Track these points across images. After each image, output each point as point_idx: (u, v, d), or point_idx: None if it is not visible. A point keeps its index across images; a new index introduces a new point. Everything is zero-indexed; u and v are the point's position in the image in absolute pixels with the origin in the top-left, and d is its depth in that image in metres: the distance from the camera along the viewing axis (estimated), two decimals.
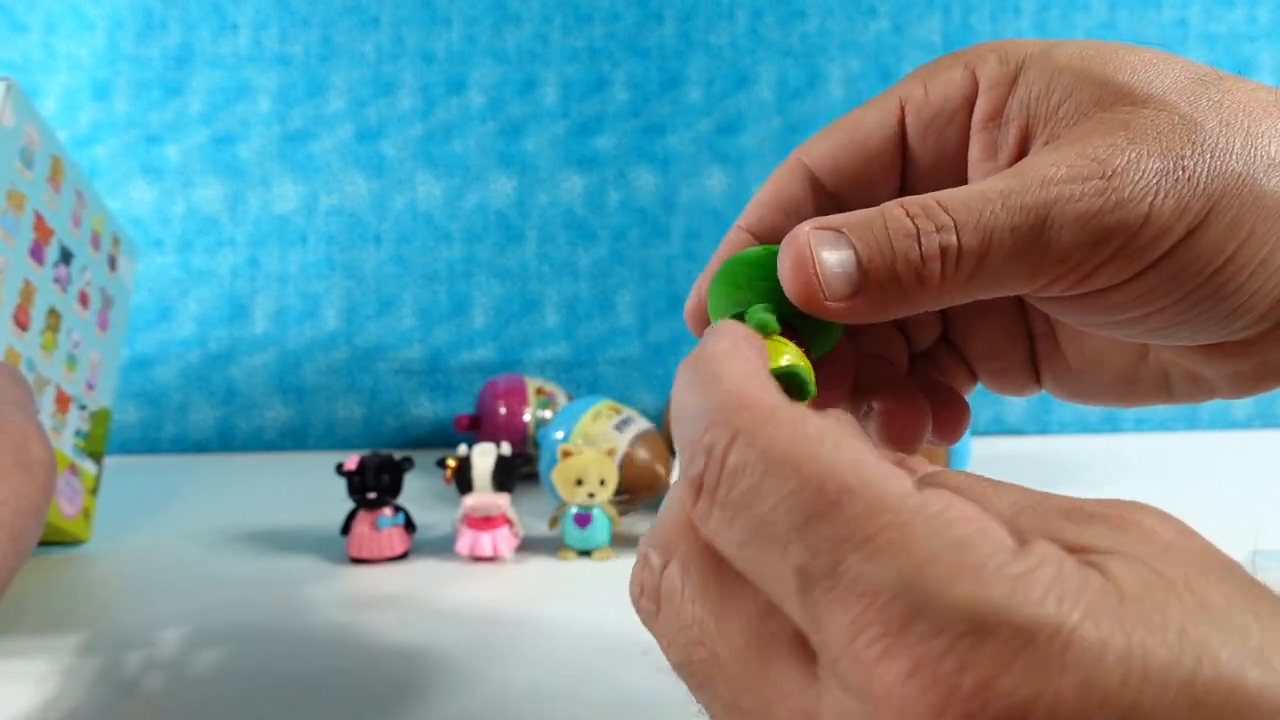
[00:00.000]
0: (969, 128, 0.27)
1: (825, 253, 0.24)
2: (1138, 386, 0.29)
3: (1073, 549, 0.16)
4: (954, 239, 0.23)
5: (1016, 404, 0.96)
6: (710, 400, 0.19)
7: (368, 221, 0.94)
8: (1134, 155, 0.23)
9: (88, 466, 0.68)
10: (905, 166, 0.28)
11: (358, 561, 0.64)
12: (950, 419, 0.29)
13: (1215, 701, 0.14)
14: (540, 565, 0.64)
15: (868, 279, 0.23)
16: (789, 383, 0.24)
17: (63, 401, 0.65)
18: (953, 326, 0.31)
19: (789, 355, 0.24)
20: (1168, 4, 0.93)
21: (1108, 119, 0.24)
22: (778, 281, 0.25)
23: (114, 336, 0.70)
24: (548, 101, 0.94)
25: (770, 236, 0.29)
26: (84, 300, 0.67)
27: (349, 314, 0.94)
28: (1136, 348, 0.29)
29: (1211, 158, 0.23)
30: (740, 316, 0.26)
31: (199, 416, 0.93)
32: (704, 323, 0.29)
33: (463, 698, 0.47)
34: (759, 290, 0.26)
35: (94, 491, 0.68)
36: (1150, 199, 0.22)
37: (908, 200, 0.24)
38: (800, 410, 0.19)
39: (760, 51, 0.94)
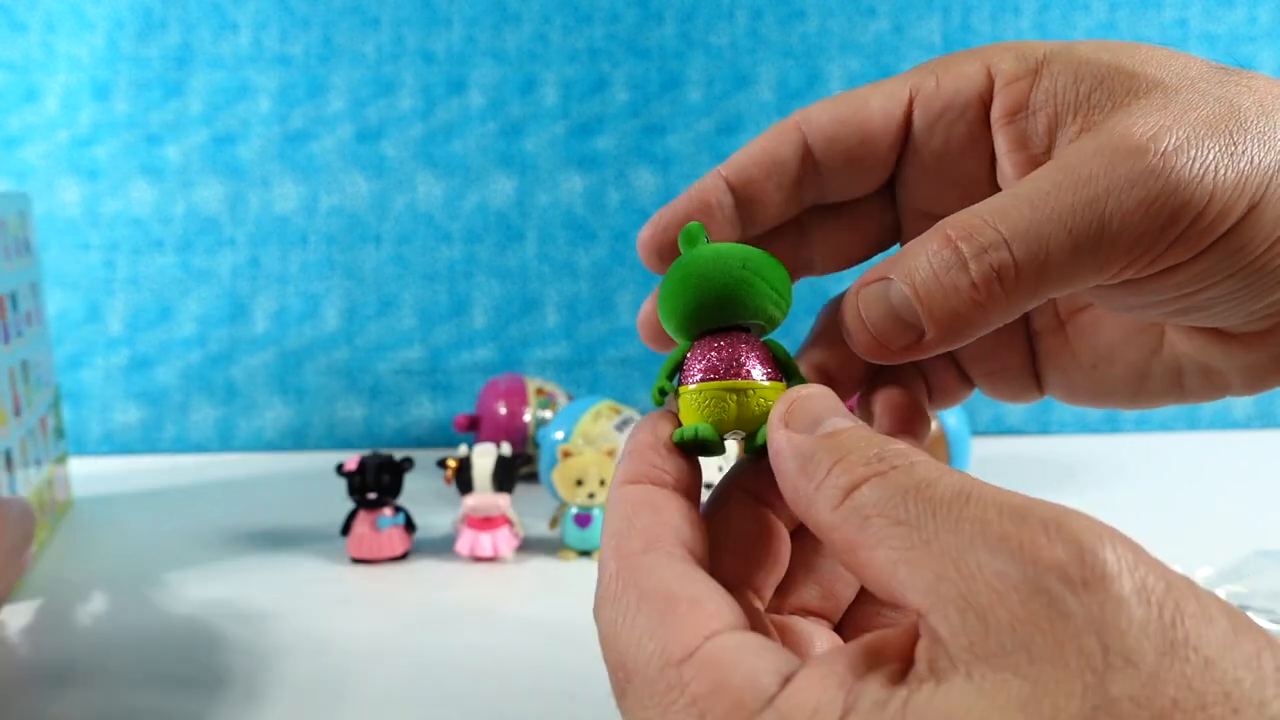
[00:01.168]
0: (977, 124, 0.27)
1: (872, 309, 0.24)
2: (1150, 383, 0.29)
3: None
4: (1007, 255, 0.22)
5: (1017, 404, 0.96)
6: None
7: (368, 221, 0.94)
8: (1184, 135, 0.22)
9: None
10: (903, 154, 0.28)
11: (358, 561, 0.64)
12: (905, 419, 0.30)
13: None
14: (540, 565, 0.64)
15: (927, 319, 0.23)
16: (693, 446, 0.25)
17: None
18: None
19: (686, 422, 0.25)
20: (1168, 4, 0.93)
21: (1145, 104, 0.23)
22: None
23: None
24: (548, 102, 0.94)
25: (746, 191, 0.29)
26: None
27: (349, 314, 0.94)
28: (1151, 341, 0.28)
29: (1259, 136, 0.22)
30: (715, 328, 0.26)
31: (199, 416, 0.94)
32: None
33: (463, 698, 0.47)
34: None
35: None
36: (1212, 176, 0.22)
37: (950, 223, 0.23)
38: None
39: (760, 52, 0.94)
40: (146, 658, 0.52)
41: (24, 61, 0.90)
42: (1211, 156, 0.22)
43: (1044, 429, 0.96)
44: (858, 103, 0.28)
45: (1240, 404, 0.96)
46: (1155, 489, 0.78)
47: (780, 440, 0.22)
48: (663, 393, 0.26)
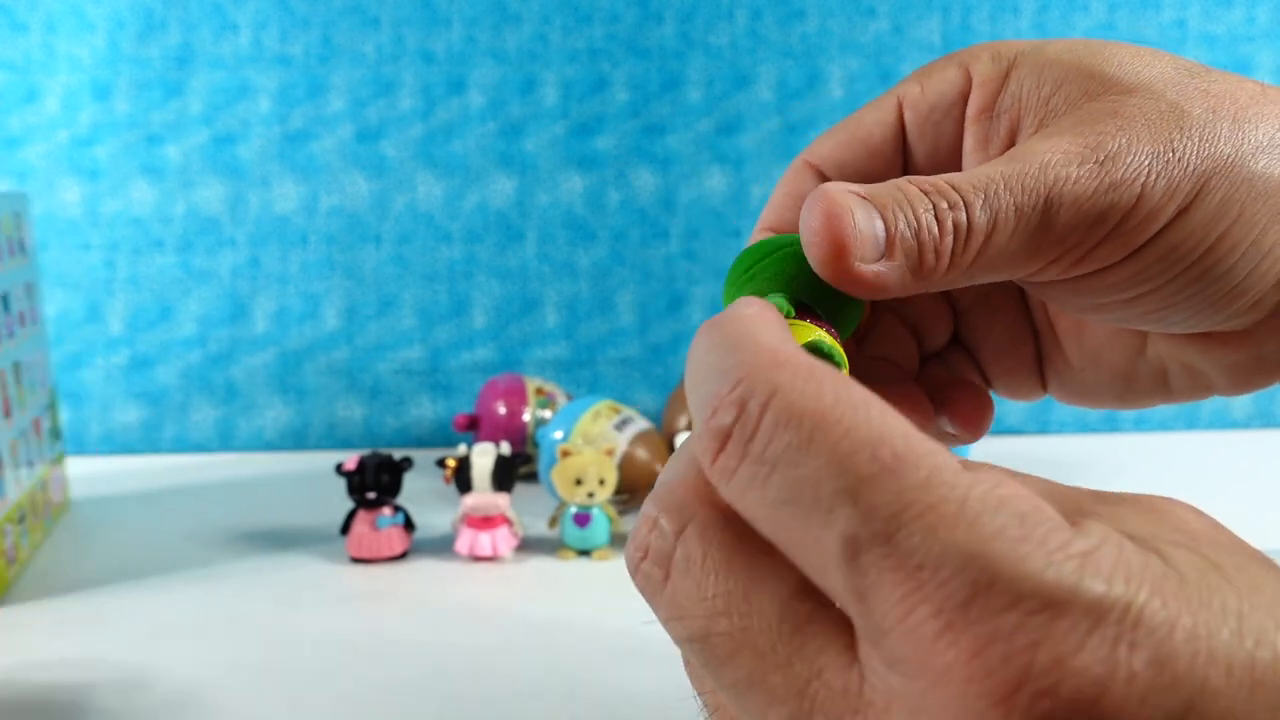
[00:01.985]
0: (963, 121, 0.28)
1: (859, 214, 0.23)
2: (1137, 384, 0.29)
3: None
4: (964, 216, 0.23)
5: (1016, 404, 0.96)
6: (742, 356, 0.18)
7: (368, 221, 0.94)
8: (1125, 140, 0.23)
9: None
10: (905, 161, 0.29)
11: (357, 561, 0.64)
12: (974, 411, 0.30)
13: (1273, 683, 0.14)
14: (540, 565, 0.64)
15: (893, 247, 0.23)
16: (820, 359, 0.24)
17: None
18: (962, 325, 0.32)
19: (815, 335, 0.23)
20: (1167, 4, 0.93)
21: (1096, 109, 0.24)
22: (793, 268, 0.25)
23: None
24: (548, 102, 0.94)
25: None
26: None
27: (349, 314, 0.94)
28: (1135, 342, 0.29)
29: (1200, 141, 0.23)
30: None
31: (199, 416, 0.94)
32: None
33: (463, 698, 0.47)
34: (773, 277, 0.25)
35: None
36: (1142, 180, 0.23)
37: (917, 178, 0.24)
38: (841, 374, 0.17)
39: (760, 52, 0.94)
40: (146, 657, 0.52)
41: (24, 62, 0.90)
42: (1146, 161, 0.23)
43: (1044, 429, 0.96)
44: (854, 125, 0.29)
45: (1240, 404, 0.96)
46: (1155, 489, 0.78)
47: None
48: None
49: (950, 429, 0.30)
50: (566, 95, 0.94)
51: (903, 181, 0.24)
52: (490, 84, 0.93)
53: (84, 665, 0.51)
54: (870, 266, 0.23)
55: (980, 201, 0.23)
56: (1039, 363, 0.31)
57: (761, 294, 0.25)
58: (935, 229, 0.23)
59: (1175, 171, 0.23)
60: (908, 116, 0.28)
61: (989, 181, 0.23)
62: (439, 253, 0.94)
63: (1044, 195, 0.23)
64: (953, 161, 0.28)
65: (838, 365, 0.23)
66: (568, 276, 0.95)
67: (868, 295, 0.23)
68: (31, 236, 0.72)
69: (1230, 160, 0.23)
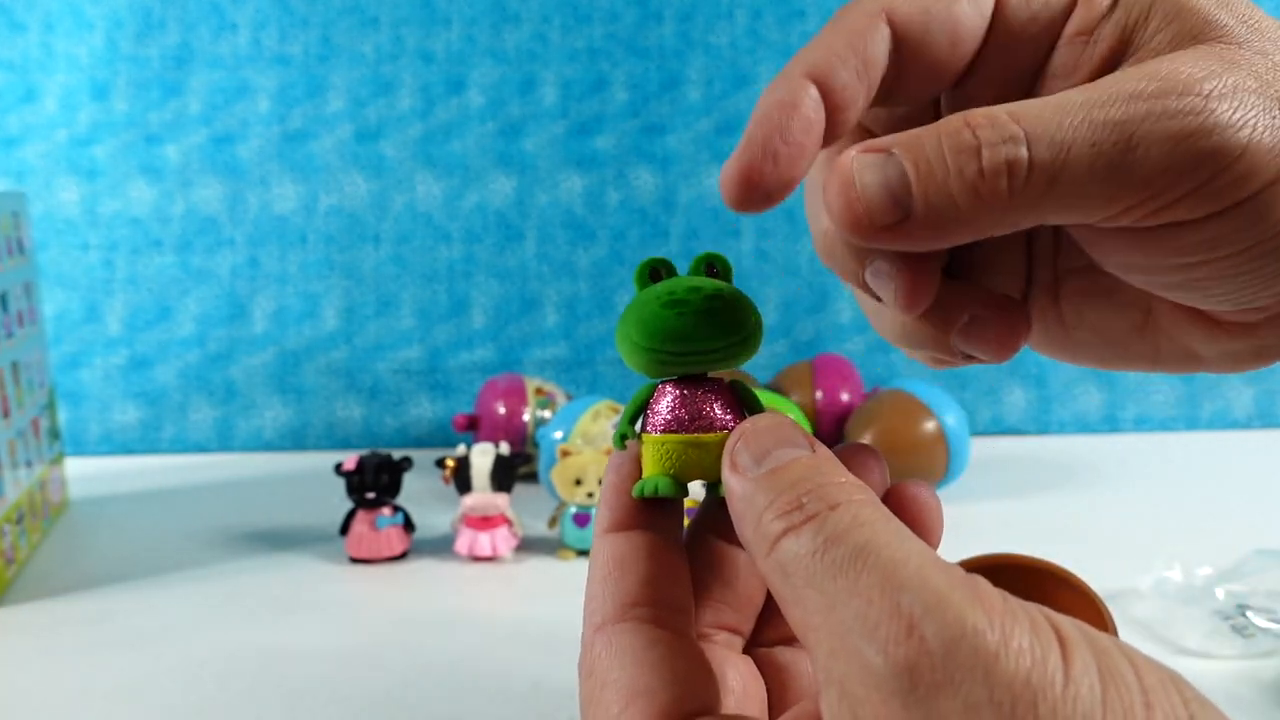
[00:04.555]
0: (1058, 39, 0.25)
1: (867, 175, 0.22)
2: (1126, 354, 0.28)
3: None
4: (1024, 152, 0.21)
5: (1016, 404, 0.96)
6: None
7: (367, 221, 0.94)
8: (1232, 83, 0.21)
9: None
10: (978, 58, 0.25)
11: (357, 561, 0.64)
12: (1025, 322, 0.27)
13: None
14: (539, 565, 0.64)
15: (919, 199, 0.21)
16: (653, 499, 0.25)
17: None
18: (955, 260, 0.29)
19: (659, 465, 0.25)
20: None
21: (1204, 51, 0.22)
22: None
23: None
24: (547, 101, 0.94)
25: (836, 93, 0.24)
26: None
27: (348, 314, 0.94)
28: (1138, 320, 0.28)
29: None
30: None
31: (199, 416, 0.93)
32: (740, 190, 0.24)
33: (463, 698, 0.47)
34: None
35: None
36: (1249, 131, 0.21)
37: (972, 112, 0.22)
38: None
39: (760, 51, 0.94)
40: (146, 657, 0.52)
41: (23, 61, 0.90)
42: (1254, 113, 0.21)
43: (1044, 429, 0.96)
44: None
45: (1240, 404, 0.96)
46: (1155, 489, 0.78)
47: (727, 483, 0.22)
48: (624, 437, 0.26)
49: (976, 351, 0.27)
50: (566, 95, 0.94)
51: (949, 119, 0.22)
52: (490, 84, 0.93)
53: (83, 665, 0.51)
54: (888, 229, 0.22)
55: (1049, 135, 0.21)
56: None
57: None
58: (974, 170, 0.21)
59: None
60: (1006, 17, 0.25)
61: (1063, 112, 0.21)
62: (438, 253, 0.94)
63: (1130, 131, 0.21)
64: (1024, 82, 0.25)
65: (666, 497, 0.25)
66: (567, 276, 0.95)
67: (905, 248, 0.23)
68: (30, 236, 0.72)
69: None
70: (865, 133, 0.28)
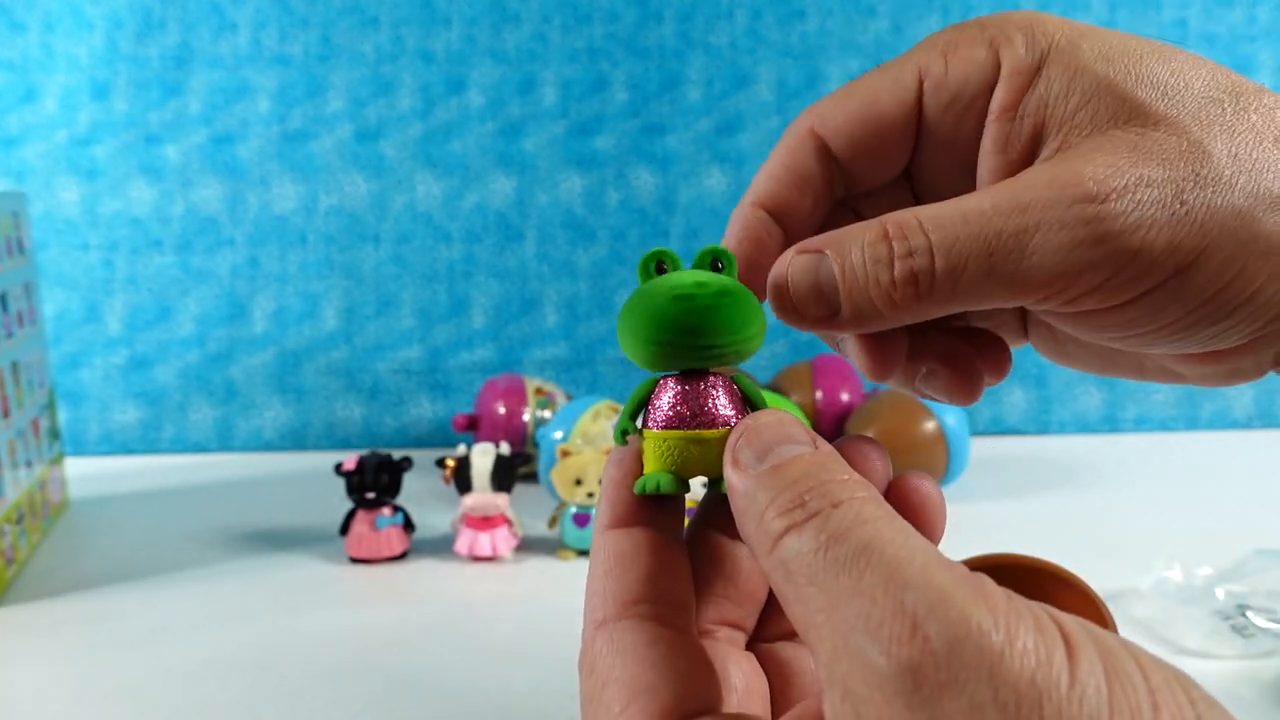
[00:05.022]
0: (985, 116, 0.26)
1: (798, 277, 0.25)
2: (1115, 365, 0.29)
3: None
4: (928, 262, 0.23)
5: (1017, 404, 0.96)
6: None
7: (367, 221, 0.94)
8: (1135, 178, 0.22)
9: None
10: (919, 139, 0.28)
11: (357, 561, 0.64)
12: (994, 362, 0.29)
13: None
14: (539, 565, 0.64)
15: (845, 301, 0.24)
16: (654, 496, 0.25)
17: None
18: None
19: (659, 462, 0.25)
20: (1168, 4, 0.93)
21: (1118, 138, 0.23)
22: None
23: None
24: (547, 101, 0.94)
25: (783, 212, 0.28)
26: None
27: (348, 314, 0.94)
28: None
29: (1213, 192, 0.22)
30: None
31: (199, 416, 0.93)
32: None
33: (463, 697, 0.47)
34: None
35: None
36: (1143, 233, 0.22)
37: (891, 218, 0.24)
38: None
39: (760, 51, 0.94)
40: (146, 656, 0.52)
41: (23, 61, 0.90)
42: (1153, 211, 0.22)
43: (1044, 429, 0.96)
44: (869, 97, 0.27)
45: (1240, 404, 0.96)
46: (1155, 489, 0.78)
47: (729, 480, 0.22)
48: (625, 433, 0.26)
49: (939, 393, 0.29)
50: (566, 95, 0.94)
51: (871, 226, 0.24)
52: (490, 84, 0.93)
53: (83, 665, 0.51)
54: (819, 322, 0.25)
55: (948, 244, 0.23)
56: (1024, 320, 0.31)
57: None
58: (887, 280, 0.23)
59: (1181, 229, 0.22)
60: (928, 101, 0.27)
61: (964, 222, 0.23)
62: (438, 253, 0.94)
63: (1023, 242, 0.22)
64: (969, 153, 0.27)
65: (668, 494, 0.25)
66: (567, 276, 0.95)
67: (841, 333, 0.25)
68: (30, 236, 0.72)
69: (1240, 216, 0.22)
70: (851, 216, 0.30)
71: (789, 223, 0.28)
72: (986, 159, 0.26)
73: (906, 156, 0.28)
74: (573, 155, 0.94)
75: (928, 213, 0.24)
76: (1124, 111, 0.23)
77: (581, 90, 0.94)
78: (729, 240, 0.28)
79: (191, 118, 0.92)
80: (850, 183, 0.29)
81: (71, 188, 0.91)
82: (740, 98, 0.94)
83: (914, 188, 0.30)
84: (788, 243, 0.28)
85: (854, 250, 0.24)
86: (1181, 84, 0.24)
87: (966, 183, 0.27)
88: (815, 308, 0.25)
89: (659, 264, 0.26)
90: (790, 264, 0.25)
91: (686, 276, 0.25)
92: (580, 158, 0.94)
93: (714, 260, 0.26)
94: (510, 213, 0.94)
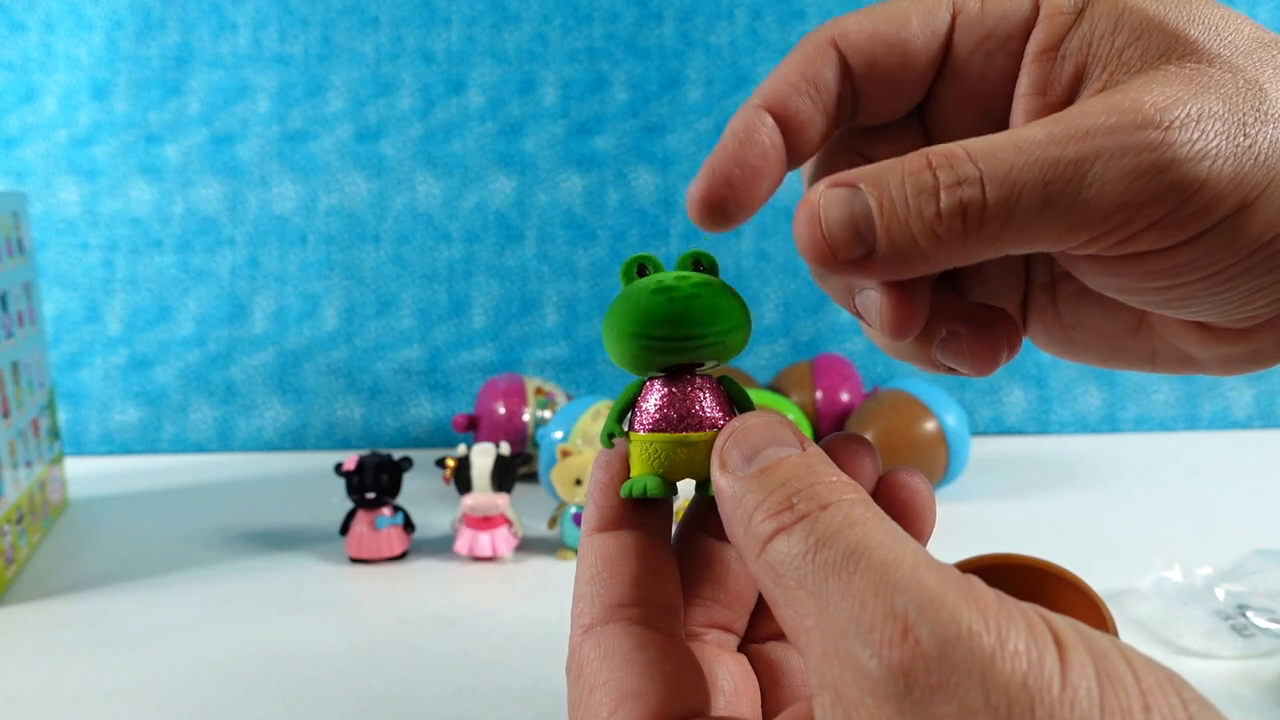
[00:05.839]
0: (1018, 57, 0.25)
1: (833, 211, 0.23)
2: (1123, 354, 0.28)
3: None
4: (978, 193, 0.21)
5: (1017, 404, 0.96)
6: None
7: (367, 221, 0.94)
8: (1196, 110, 0.21)
9: None
10: (938, 78, 0.26)
11: (357, 561, 0.64)
12: (1008, 334, 0.27)
13: None
14: (539, 565, 0.64)
15: (883, 237, 0.22)
16: (641, 500, 0.25)
17: None
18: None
19: (647, 466, 0.25)
20: None
21: (1172, 72, 0.22)
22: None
23: None
24: (547, 101, 0.94)
25: (789, 120, 0.26)
26: None
27: (348, 314, 0.94)
28: (1131, 322, 0.28)
29: (1275, 128, 0.21)
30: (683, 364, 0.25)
31: (198, 416, 0.93)
32: (707, 209, 0.26)
33: (463, 698, 0.47)
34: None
35: None
36: (1209, 163, 0.21)
37: (934, 150, 0.22)
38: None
39: (760, 51, 0.94)
40: (146, 656, 0.52)
41: (23, 61, 0.90)
42: (1217, 141, 0.21)
43: (1043, 429, 0.96)
44: (898, 20, 0.26)
45: (1240, 404, 0.96)
46: (1155, 489, 0.78)
47: (716, 483, 0.22)
48: (611, 436, 0.26)
49: (958, 363, 0.27)
50: (566, 95, 0.94)
51: (913, 157, 0.22)
52: (490, 84, 0.93)
53: (83, 665, 0.51)
54: (854, 263, 0.23)
55: (1001, 174, 0.21)
56: (1024, 310, 0.30)
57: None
58: (932, 213, 0.22)
59: (1245, 161, 0.21)
60: (959, 35, 0.25)
61: (1018, 150, 0.21)
62: (438, 253, 0.94)
63: (1084, 169, 0.21)
64: (996, 93, 0.26)
65: (655, 498, 0.25)
66: (567, 276, 0.95)
67: (872, 279, 0.23)
68: (30, 236, 0.72)
69: None
70: (855, 157, 0.28)
71: (793, 133, 0.26)
72: (1023, 101, 0.25)
73: (922, 92, 0.27)
74: (573, 155, 0.94)
75: (976, 143, 0.22)
76: (1177, 48, 0.22)
77: (581, 90, 0.94)
78: (727, 135, 0.26)
79: (191, 118, 0.92)
80: (860, 110, 0.27)
81: (71, 188, 0.91)
82: (740, 98, 0.93)
83: (925, 129, 0.28)
84: (789, 155, 0.26)
85: (893, 182, 0.22)
86: (1232, 27, 0.23)
87: (984, 126, 0.26)
88: (849, 247, 0.23)
89: (640, 268, 0.26)
90: (822, 196, 0.23)
91: (668, 275, 0.25)
92: (580, 158, 0.94)
93: (695, 262, 0.26)
94: (510, 213, 0.94)
